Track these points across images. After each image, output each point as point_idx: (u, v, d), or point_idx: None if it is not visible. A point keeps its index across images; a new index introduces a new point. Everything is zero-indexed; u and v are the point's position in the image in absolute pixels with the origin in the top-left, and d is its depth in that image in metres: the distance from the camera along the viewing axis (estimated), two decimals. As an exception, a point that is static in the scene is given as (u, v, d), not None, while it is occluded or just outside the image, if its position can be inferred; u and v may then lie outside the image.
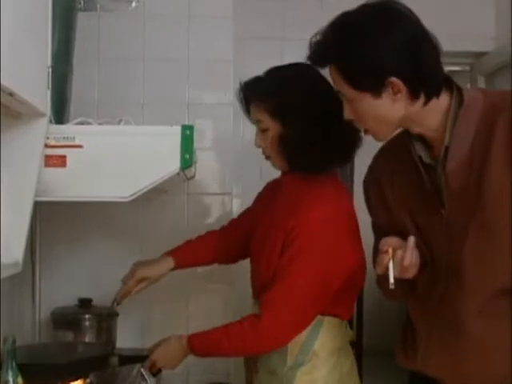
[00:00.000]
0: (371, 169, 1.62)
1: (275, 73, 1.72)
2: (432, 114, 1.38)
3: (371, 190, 1.60)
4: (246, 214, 2.01)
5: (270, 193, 1.87)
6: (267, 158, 1.74)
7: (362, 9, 1.36)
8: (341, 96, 1.42)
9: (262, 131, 1.70)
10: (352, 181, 5.76)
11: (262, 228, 1.78)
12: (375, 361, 3.97)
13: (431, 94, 1.36)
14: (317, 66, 1.48)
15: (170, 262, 1.92)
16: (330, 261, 1.60)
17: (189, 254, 1.97)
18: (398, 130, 1.48)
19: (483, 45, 3.02)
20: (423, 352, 1.49)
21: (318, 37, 1.40)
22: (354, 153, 1.71)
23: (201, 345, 1.67)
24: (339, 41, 1.35)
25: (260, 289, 1.71)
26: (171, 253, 1.95)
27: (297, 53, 2.71)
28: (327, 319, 1.67)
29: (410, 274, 1.41)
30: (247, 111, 1.76)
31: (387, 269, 1.38)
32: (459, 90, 1.39)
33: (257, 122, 1.72)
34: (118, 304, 1.95)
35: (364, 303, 4.88)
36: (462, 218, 1.37)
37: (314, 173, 1.68)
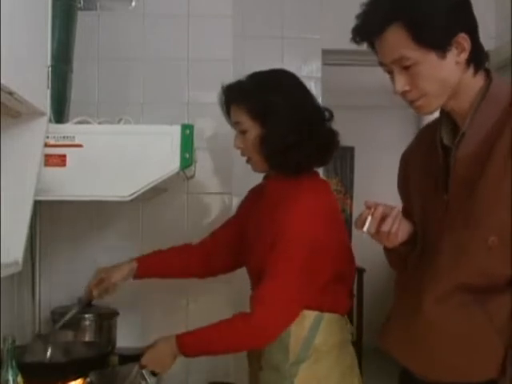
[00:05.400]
0: (403, 154, 1.63)
1: (256, 76, 1.76)
2: (469, 91, 1.39)
3: (400, 174, 1.62)
4: (228, 225, 2.01)
5: (253, 199, 1.91)
6: (247, 160, 1.78)
7: None
8: (392, 67, 1.37)
9: (242, 133, 1.74)
10: (352, 183, 5.79)
11: (251, 231, 1.81)
12: (375, 360, 3.97)
13: (480, 62, 1.38)
14: (365, 36, 1.40)
15: (131, 265, 1.92)
16: (315, 254, 1.63)
17: (156, 263, 1.97)
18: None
19: (483, 44, 3.02)
20: (385, 326, 1.53)
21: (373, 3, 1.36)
22: (332, 154, 1.76)
23: (191, 345, 1.67)
24: None
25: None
26: (137, 258, 1.95)
27: (297, 52, 2.73)
28: (327, 315, 1.70)
29: (391, 242, 1.42)
30: (228, 114, 1.80)
31: (364, 225, 1.39)
32: (491, 79, 1.40)
33: (236, 124, 1.76)
34: (83, 304, 1.98)
35: (364, 303, 4.90)
36: (459, 206, 1.38)
37: (294, 173, 1.72)
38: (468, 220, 1.35)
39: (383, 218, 1.39)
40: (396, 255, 1.55)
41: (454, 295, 1.37)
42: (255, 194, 1.91)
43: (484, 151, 1.35)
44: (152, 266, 1.96)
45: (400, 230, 1.41)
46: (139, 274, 1.94)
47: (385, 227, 1.38)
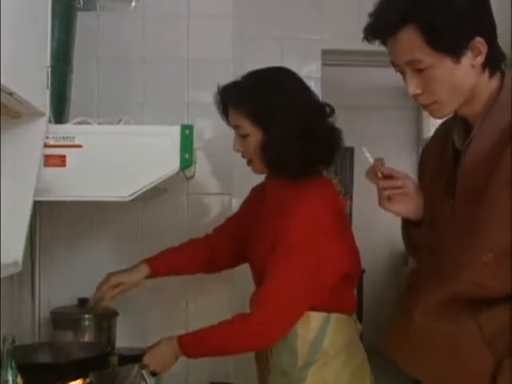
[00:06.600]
0: (422, 149, 1.61)
1: (254, 76, 1.70)
2: (483, 94, 1.34)
3: (418, 169, 1.60)
4: (231, 222, 2.01)
5: (257, 197, 1.89)
6: (248, 162, 1.74)
7: None
8: (405, 68, 1.33)
9: (242, 137, 1.70)
10: (352, 183, 5.79)
11: (255, 232, 1.80)
12: (375, 360, 3.97)
13: (496, 65, 1.34)
14: (377, 36, 1.34)
15: (144, 270, 1.89)
16: (320, 257, 1.62)
17: (166, 263, 1.95)
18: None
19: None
20: (386, 331, 1.52)
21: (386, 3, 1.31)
22: (336, 155, 1.71)
23: (192, 345, 1.66)
24: None
25: None
26: (148, 260, 1.92)
27: (297, 52, 2.73)
28: (334, 316, 1.68)
29: (382, 203, 1.43)
30: (225, 114, 1.75)
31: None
32: (503, 83, 1.35)
33: (236, 128, 1.71)
34: (90, 307, 2.00)
35: (364, 303, 4.90)
36: (463, 214, 1.34)
37: (299, 177, 1.68)
38: (468, 232, 1.31)
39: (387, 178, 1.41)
40: (405, 234, 1.53)
41: (447, 304, 1.34)
42: (258, 194, 1.89)
43: (489, 161, 1.29)
44: (162, 267, 1.93)
45: (397, 201, 1.42)
46: (150, 277, 1.93)
47: (379, 184, 1.42)
